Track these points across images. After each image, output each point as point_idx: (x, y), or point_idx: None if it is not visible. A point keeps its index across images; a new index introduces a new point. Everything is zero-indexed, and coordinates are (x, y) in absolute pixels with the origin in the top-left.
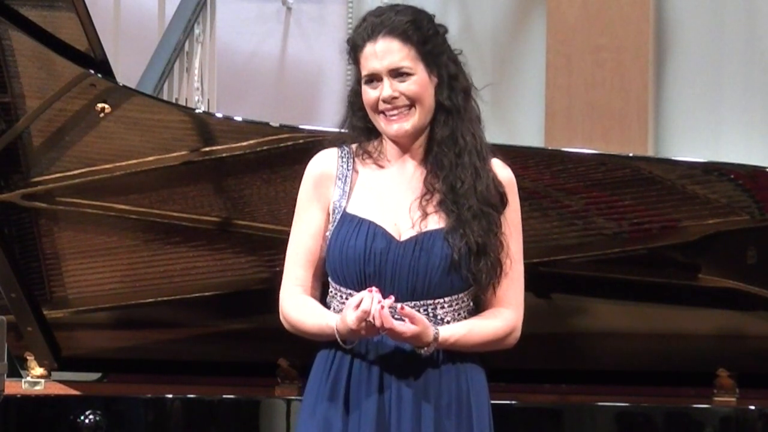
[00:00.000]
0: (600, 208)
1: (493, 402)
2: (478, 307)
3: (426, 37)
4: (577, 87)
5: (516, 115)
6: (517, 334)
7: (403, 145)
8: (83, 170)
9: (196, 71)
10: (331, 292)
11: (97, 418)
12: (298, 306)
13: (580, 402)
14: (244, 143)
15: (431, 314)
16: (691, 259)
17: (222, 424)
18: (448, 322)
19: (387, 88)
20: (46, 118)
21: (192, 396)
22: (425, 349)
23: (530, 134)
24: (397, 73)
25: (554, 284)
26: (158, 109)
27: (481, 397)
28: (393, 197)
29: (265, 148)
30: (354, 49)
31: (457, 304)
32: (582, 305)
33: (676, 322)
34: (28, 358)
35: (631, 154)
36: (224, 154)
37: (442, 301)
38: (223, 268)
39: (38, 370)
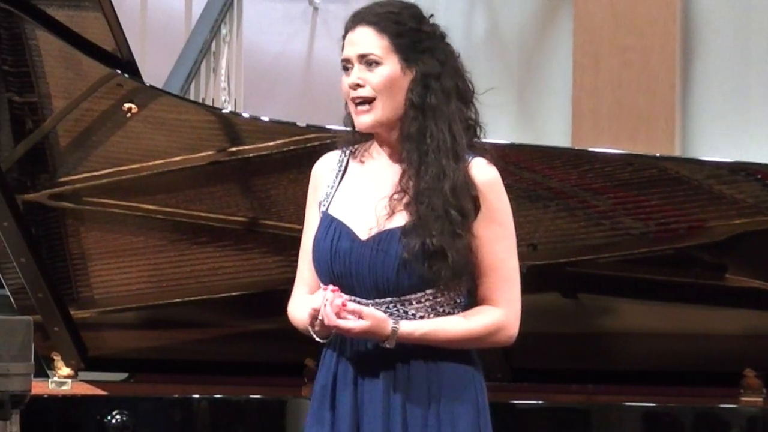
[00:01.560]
0: (627, 208)
1: (521, 402)
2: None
3: (402, 31)
4: (604, 87)
5: (543, 116)
6: (508, 332)
7: (383, 140)
8: (110, 170)
9: (223, 71)
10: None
11: (124, 418)
12: (296, 304)
13: (607, 402)
14: (271, 143)
15: (400, 311)
16: (718, 259)
17: (248, 424)
18: (422, 318)
19: (353, 75)
20: (73, 118)
21: (218, 396)
22: (387, 343)
23: (557, 134)
24: (366, 61)
25: (581, 284)
26: (185, 109)
27: (460, 395)
28: (367, 196)
29: (291, 148)
30: (342, 40)
31: (427, 300)
32: (609, 305)
33: (703, 322)
34: (54, 358)
35: (657, 154)
36: (251, 154)
37: (410, 297)
38: (249, 268)
39: (65, 370)
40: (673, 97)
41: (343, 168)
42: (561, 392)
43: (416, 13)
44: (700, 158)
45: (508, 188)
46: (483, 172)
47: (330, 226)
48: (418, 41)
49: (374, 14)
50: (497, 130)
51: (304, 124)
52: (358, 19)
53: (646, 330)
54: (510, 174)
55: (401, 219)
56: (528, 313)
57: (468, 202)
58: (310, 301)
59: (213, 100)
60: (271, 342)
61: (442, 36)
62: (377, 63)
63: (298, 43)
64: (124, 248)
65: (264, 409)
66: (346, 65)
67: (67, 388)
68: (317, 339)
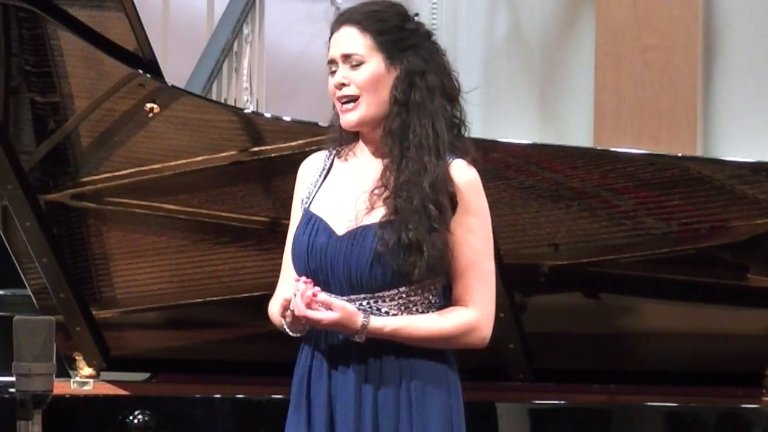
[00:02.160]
0: (649, 208)
1: (542, 402)
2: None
3: (385, 29)
4: (626, 87)
5: (565, 116)
6: (481, 333)
7: (367, 138)
8: (132, 170)
9: (245, 71)
10: None
11: (146, 418)
12: (273, 302)
13: (628, 402)
14: (293, 143)
15: (373, 308)
16: (740, 259)
17: (271, 424)
18: (394, 315)
19: (338, 74)
20: (95, 118)
21: (240, 396)
22: (357, 336)
23: (579, 134)
24: (350, 61)
25: (603, 284)
26: (207, 109)
27: (432, 393)
28: (348, 192)
29: (314, 148)
30: (328, 41)
31: (401, 298)
32: (630, 305)
33: (725, 322)
34: (76, 358)
35: (679, 154)
36: (273, 154)
37: (383, 294)
38: (271, 268)
39: (87, 370)
40: (695, 96)
41: (327, 167)
42: (582, 392)
43: (400, 11)
44: (722, 158)
45: (531, 188)
46: (462, 173)
47: (309, 222)
48: (401, 39)
49: (357, 13)
50: (519, 130)
51: (326, 124)
52: (342, 19)
53: (667, 330)
54: (532, 174)
55: (379, 214)
56: (549, 313)
57: (446, 198)
58: (283, 293)
59: (235, 100)
60: (294, 342)
61: (427, 34)
62: (361, 62)
63: (320, 43)
64: (146, 248)
65: (285, 409)
66: (332, 66)
67: (89, 388)
68: (291, 333)
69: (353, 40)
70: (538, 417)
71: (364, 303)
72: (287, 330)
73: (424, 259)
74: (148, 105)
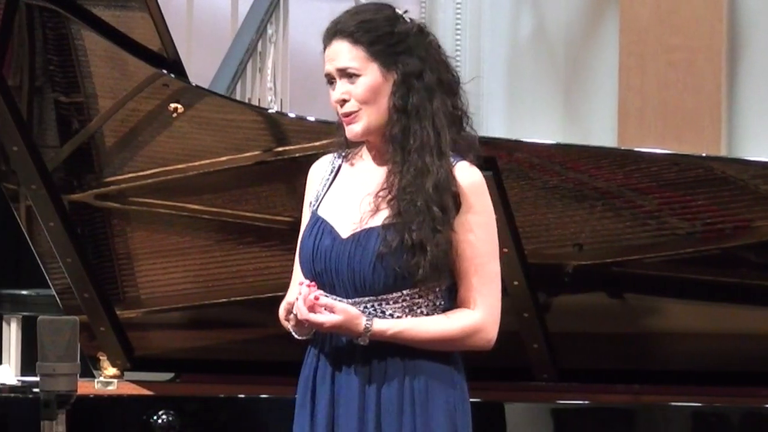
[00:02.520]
0: (673, 208)
1: (567, 402)
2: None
3: (376, 38)
4: (650, 87)
5: (589, 116)
6: (486, 335)
7: (372, 144)
8: (156, 170)
9: (269, 71)
10: None
11: (170, 418)
12: (283, 305)
13: (653, 402)
14: (317, 143)
15: (378, 311)
16: (764, 259)
17: None
18: (399, 318)
19: (337, 91)
20: (119, 118)
21: (264, 396)
22: (360, 339)
23: (603, 134)
24: (347, 74)
25: (627, 284)
26: (231, 109)
27: (436, 394)
28: (353, 196)
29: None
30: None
31: (405, 301)
32: (655, 305)
33: (749, 321)
34: (100, 358)
35: (704, 154)
36: (297, 154)
37: (387, 297)
38: None
39: (111, 370)
40: (719, 96)
41: (335, 170)
42: (607, 392)
43: (389, 15)
44: (746, 158)
45: (555, 188)
46: (466, 175)
47: (315, 225)
48: (394, 44)
49: (347, 25)
50: (543, 130)
51: None
52: (332, 32)
53: (691, 330)
54: (556, 174)
55: (382, 216)
56: (574, 313)
57: (449, 199)
58: (287, 297)
59: (259, 100)
60: None
61: (420, 29)
62: (357, 75)
63: None
64: (170, 248)
65: None
66: (330, 80)
67: (113, 388)
68: (296, 336)
69: (346, 53)
70: (562, 417)
71: (369, 306)
72: (293, 333)
73: (428, 260)
74: (172, 105)
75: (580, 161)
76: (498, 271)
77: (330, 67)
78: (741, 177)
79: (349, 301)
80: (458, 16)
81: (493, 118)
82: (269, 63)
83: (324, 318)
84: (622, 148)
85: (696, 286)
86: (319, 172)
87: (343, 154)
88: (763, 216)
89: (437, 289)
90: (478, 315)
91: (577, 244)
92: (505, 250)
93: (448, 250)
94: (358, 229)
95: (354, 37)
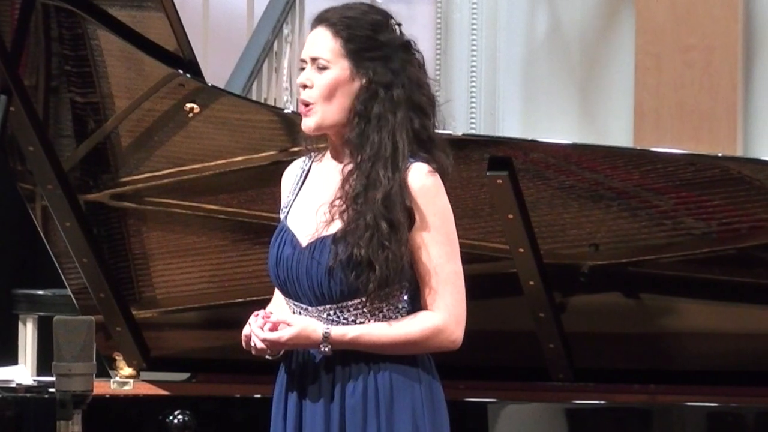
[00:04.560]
0: (689, 208)
1: (582, 402)
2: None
3: (354, 37)
4: (666, 87)
5: (605, 115)
6: (450, 336)
7: (332, 144)
8: (172, 170)
9: (285, 71)
10: None
11: (186, 419)
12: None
13: (669, 402)
14: None
15: (341, 318)
16: None
17: None
18: (362, 323)
19: (302, 75)
20: (135, 118)
21: None
22: (322, 346)
23: (619, 134)
24: (316, 63)
25: (643, 284)
26: (247, 109)
27: (400, 396)
28: (314, 202)
29: None
30: None
31: (365, 307)
32: (670, 305)
33: (766, 321)
34: (116, 358)
35: (720, 154)
36: (313, 154)
37: (347, 304)
38: None
39: (127, 370)
40: (735, 96)
41: (304, 174)
42: (623, 392)
43: (375, 20)
44: (762, 158)
45: (571, 188)
46: (418, 178)
47: (280, 233)
48: (369, 48)
49: (333, 16)
50: (559, 130)
51: None
52: (318, 19)
53: (708, 330)
54: (572, 174)
55: (336, 226)
56: (590, 313)
57: (400, 213)
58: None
59: (275, 100)
60: None
61: (405, 46)
62: (325, 67)
63: None
64: (186, 248)
65: None
66: (302, 64)
67: (129, 388)
68: (268, 357)
69: (323, 43)
70: (577, 417)
71: (331, 313)
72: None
73: (376, 275)
74: (188, 105)
75: (596, 161)
76: (458, 270)
77: (305, 53)
78: (757, 177)
79: (312, 308)
80: (474, 16)
81: (508, 118)
82: (285, 63)
83: (280, 332)
84: (638, 148)
85: (712, 286)
86: (289, 178)
87: (313, 156)
88: None
89: (398, 293)
90: (439, 316)
91: (593, 244)
92: (521, 250)
93: (398, 264)
94: (314, 239)
95: (335, 30)
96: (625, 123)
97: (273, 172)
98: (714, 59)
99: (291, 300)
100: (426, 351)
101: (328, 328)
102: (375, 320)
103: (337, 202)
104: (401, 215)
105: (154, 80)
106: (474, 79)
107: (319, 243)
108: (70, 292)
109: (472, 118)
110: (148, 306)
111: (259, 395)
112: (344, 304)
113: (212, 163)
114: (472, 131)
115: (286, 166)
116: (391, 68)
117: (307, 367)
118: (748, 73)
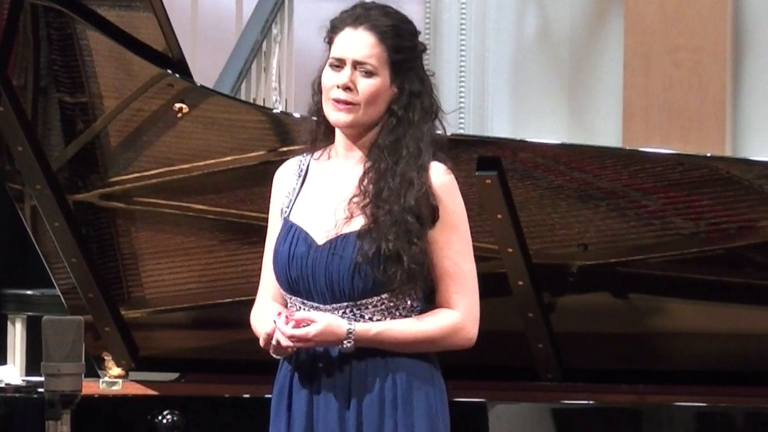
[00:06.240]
0: (677, 208)
1: (570, 402)
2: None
3: (400, 47)
4: (655, 87)
5: (593, 115)
6: (466, 334)
7: (347, 142)
8: (161, 170)
9: (274, 71)
10: (283, 296)
11: (175, 419)
12: (257, 314)
13: (657, 402)
14: None
15: (357, 315)
16: None
17: None
18: (378, 321)
19: (346, 75)
20: (124, 118)
21: (269, 396)
22: (345, 342)
23: (608, 134)
24: (361, 68)
25: (632, 284)
26: (236, 109)
27: (418, 392)
28: (326, 199)
29: None
30: (333, 31)
31: (382, 304)
32: (659, 305)
33: (754, 321)
34: (105, 358)
35: (708, 154)
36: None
37: (365, 302)
38: None
39: (116, 370)
40: (723, 96)
41: (303, 172)
42: (612, 392)
43: (414, 30)
44: (751, 158)
45: (559, 188)
46: (439, 177)
47: (289, 231)
48: (410, 59)
49: (379, 21)
50: (548, 130)
51: None
52: (362, 20)
53: (696, 330)
54: (561, 174)
55: (358, 223)
56: (579, 313)
57: (426, 211)
58: (263, 326)
59: (264, 100)
60: None
61: (424, 51)
62: (372, 73)
63: None
64: (175, 248)
65: None
66: (338, 63)
67: (118, 388)
68: (274, 356)
69: (370, 48)
70: (566, 417)
71: (347, 311)
72: (271, 353)
73: (404, 269)
74: (177, 105)
75: (584, 161)
76: (473, 269)
77: (348, 53)
78: (745, 177)
79: (327, 307)
80: (463, 16)
81: (497, 117)
82: (274, 63)
83: (308, 329)
84: (627, 148)
85: (700, 286)
86: (286, 177)
87: (310, 154)
88: (767, 216)
89: (413, 292)
90: (457, 314)
91: (581, 244)
92: (510, 250)
93: (423, 260)
94: (333, 236)
95: (382, 36)
96: (614, 123)
97: (262, 172)
98: (703, 59)
99: (298, 298)
100: (442, 349)
101: (351, 324)
102: (390, 318)
103: (355, 200)
104: (426, 212)
105: (142, 80)
106: (463, 78)
107: (340, 239)
108: (59, 292)
109: (461, 117)
110: (137, 306)
111: (248, 395)
112: (363, 301)
113: (201, 163)
114: (461, 131)
115: (275, 166)
116: (420, 76)
117: (318, 363)
118: (737, 73)
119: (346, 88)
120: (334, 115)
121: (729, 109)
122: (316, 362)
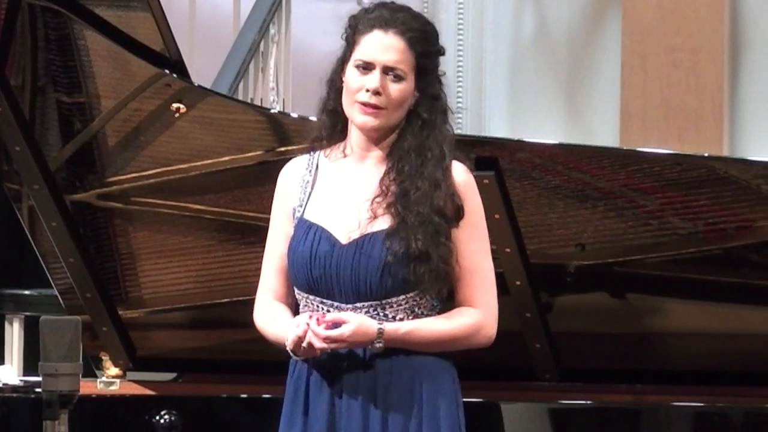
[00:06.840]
0: (675, 208)
1: (568, 402)
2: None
3: (427, 52)
4: (653, 87)
5: (591, 115)
6: (487, 333)
7: (368, 141)
8: (158, 170)
9: (272, 71)
10: (297, 295)
11: (172, 418)
12: (264, 313)
13: (655, 402)
14: None
15: (380, 315)
16: (766, 259)
17: None
18: (401, 320)
19: (376, 80)
20: (121, 118)
21: (267, 396)
22: (376, 342)
23: (605, 134)
24: (390, 73)
25: (629, 284)
26: (233, 109)
27: (442, 395)
28: (346, 199)
29: None
30: (357, 30)
31: (407, 303)
32: (657, 305)
33: (751, 321)
34: (103, 358)
35: (706, 154)
36: (299, 154)
37: (390, 301)
38: None
39: (113, 370)
40: (721, 96)
41: (313, 172)
42: (609, 392)
43: (437, 33)
44: (748, 158)
45: (557, 188)
46: (460, 176)
47: (309, 230)
48: (435, 65)
49: (410, 27)
50: (546, 130)
51: None
52: (393, 23)
53: (694, 330)
54: (558, 174)
55: (384, 222)
56: (576, 313)
57: (452, 210)
58: (289, 330)
59: (261, 100)
60: None
61: (443, 55)
62: (401, 78)
63: None
64: (173, 248)
65: None
66: (367, 66)
67: (116, 387)
68: (295, 358)
69: (401, 54)
70: (564, 417)
71: (371, 310)
72: (291, 354)
73: (433, 268)
74: (175, 105)
75: (582, 161)
76: (492, 268)
77: (379, 57)
78: (743, 177)
79: (348, 306)
80: (460, 15)
81: (495, 117)
82: (271, 63)
83: (342, 329)
84: (625, 148)
85: (698, 286)
86: (293, 176)
87: (318, 153)
88: (765, 216)
89: (436, 292)
90: (479, 313)
91: (579, 244)
92: (508, 249)
93: (449, 258)
94: (359, 236)
95: (412, 42)
96: (612, 123)
97: (259, 172)
98: (700, 59)
99: (317, 297)
100: (464, 347)
101: (381, 324)
102: (413, 317)
103: (378, 199)
104: (452, 212)
105: (140, 80)
106: (460, 78)
107: (367, 239)
108: (56, 292)
109: (459, 117)
110: (134, 306)
111: (245, 395)
112: (388, 300)
113: (199, 163)
114: (459, 131)
115: (273, 166)
116: (438, 80)
117: (340, 363)
118: (734, 73)
119: (376, 93)
120: (362, 118)
121: (726, 109)
122: (337, 363)
